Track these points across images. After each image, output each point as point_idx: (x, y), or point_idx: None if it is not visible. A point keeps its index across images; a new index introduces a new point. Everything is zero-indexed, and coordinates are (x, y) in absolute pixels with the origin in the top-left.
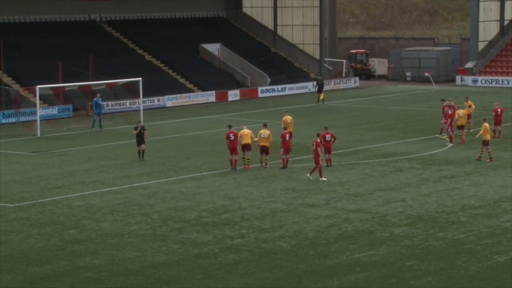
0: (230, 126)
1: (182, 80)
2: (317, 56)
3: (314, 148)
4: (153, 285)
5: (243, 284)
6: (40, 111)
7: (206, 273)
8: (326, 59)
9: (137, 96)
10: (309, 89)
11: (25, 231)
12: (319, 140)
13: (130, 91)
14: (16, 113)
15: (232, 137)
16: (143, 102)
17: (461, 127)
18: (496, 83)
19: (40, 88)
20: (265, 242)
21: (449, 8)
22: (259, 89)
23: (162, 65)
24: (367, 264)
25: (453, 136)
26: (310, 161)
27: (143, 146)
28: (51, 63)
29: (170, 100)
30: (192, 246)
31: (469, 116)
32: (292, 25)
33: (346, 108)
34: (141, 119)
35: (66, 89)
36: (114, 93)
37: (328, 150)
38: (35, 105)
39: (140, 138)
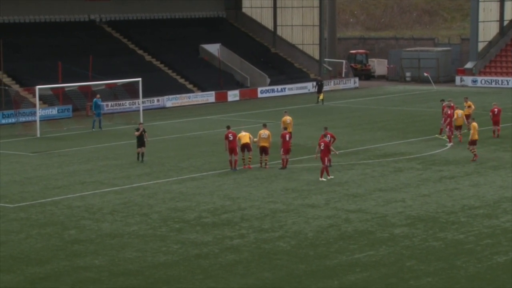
0: (228, 127)
1: (182, 81)
2: (317, 57)
3: (323, 148)
4: (153, 285)
5: (243, 284)
6: (40, 112)
7: (206, 273)
8: (325, 59)
9: (137, 97)
10: (309, 90)
11: (25, 231)
12: (327, 140)
13: (130, 92)
14: (16, 114)
15: (231, 137)
16: (143, 102)
17: (459, 127)
18: (495, 84)
19: (40, 89)
20: (265, 242)
21: (449, 9)
22: (259, 89)
23: (161, 66)
24: (367, 264)
25: (451, 136)
26: (310, 161)
27: (143, 149)
28: (51, 63)
29: (169, 101)
30: (192, 247)
31: (469, 116)
32: (292, 25)
33: (346, 108)
34: (141, 120)
35: (66, 89)
36: (114, 93)
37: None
38: (34, 106)
39: (140, 140)
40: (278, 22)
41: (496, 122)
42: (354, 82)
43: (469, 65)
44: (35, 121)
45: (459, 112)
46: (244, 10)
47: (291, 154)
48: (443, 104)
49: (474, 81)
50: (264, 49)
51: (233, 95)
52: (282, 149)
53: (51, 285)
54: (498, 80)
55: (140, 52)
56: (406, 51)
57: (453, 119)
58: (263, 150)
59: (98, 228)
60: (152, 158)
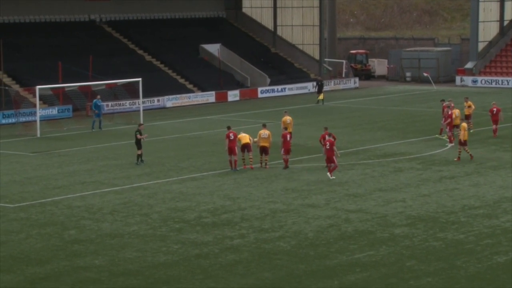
0: (229, 127)
1: (182, 81)
2: (317, 57)
3: (328, 147)
4: (153, 285)
5: (243, 284)
6: (40, 112)
7: (206, 273)
8: (326, 59)
9: (137, 97)
10: (309, 90)
11: (25, 231)
12: (332, 139)
13: (130, 92)
14: (16, 114)
15: (232, 137)
16: (143, 102)
17: (456, 127)
18: (496, 84)
19: (40, 89)
20: (265, 242)
21: (449, 9)
22: (259, 89)
23: (162, 66)
24: (367, 264)
25: (452, 136)
26: (310, 162)
27: (141, 150)
28: (51, 63)
29: (170, 101)
30: (192, 247)
31: (469, 116)
32: (292, 25)
33: (346, 108)
34: (141, 120)
35: (66, 89)
36: (114, 93)
37: None
38: (35, 106)
39: (140, 142)
40: (278, 22)
41: (495, 122)
42: (354, 82)
43: (469, 65)
44: (35, 121)
45: (456, 112)
46: (244, 10)
47: (291, 154)
48: (444, 104)
49: (474, 81)
50: (264, 49)
51: (233, 95)
52: (283, 149)
53: (51, 285)
54: (498, 80)
55: (140, 52)
56: (406, 51)
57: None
58: (263, 150)
59: (98, 228)
60: (152, 158)
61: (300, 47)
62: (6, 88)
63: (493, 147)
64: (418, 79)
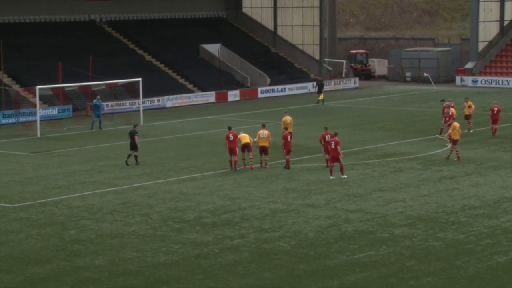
0: (230, 128)
1: (182, 81)
2: (317, 57)
3: (333, 146)
4: (153, 285)
5: (243, 284)
6: (40, 112)
7: (206, 273)
8: (326, 59)
9: (137, 97)
10: (309, 90)
11: (25, 231)
12: (337, 139)
13: (130, 92)
14: (16, 114)
15: (232, 137)
16: (143, 102)
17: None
18: (496, 84)
19: (40, 89)
20: (265, 242)
21: (449, 9)
22: (259, 89)
23: (162, 66)
24: (367, 264)
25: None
26: (310, 162)
27: (135, 152)
28: (51, 63)
29: (170, 101)
30: (192, 247)
31: (469, 116)
32: (292, 25)
33: (346, 108)
34: (141, 120)
35: (66, 89)
36: (114, 93)
37: (327, 151)
38: (35, 106)
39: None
40: (278, 22)
41: (494, 121)
42: (354, 82)
43: (469, 65)
44: (35, 121)
45: (451, 111)
46: (244, 10)
47: (291, 154)
48: (444, 104)
49: (474, 81)
50: (264, 49)
51: (233, 95)
52: (284, 150)
53: (51, 285)
54: (499, 80)
55: (140, 52)
56: (406, 51)
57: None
58: (263, 150)
59: (98, 228)
60: (152, 158)
61: (300, 47)
62: (6, 88)
63: (493, 147)
64: (418, 79)
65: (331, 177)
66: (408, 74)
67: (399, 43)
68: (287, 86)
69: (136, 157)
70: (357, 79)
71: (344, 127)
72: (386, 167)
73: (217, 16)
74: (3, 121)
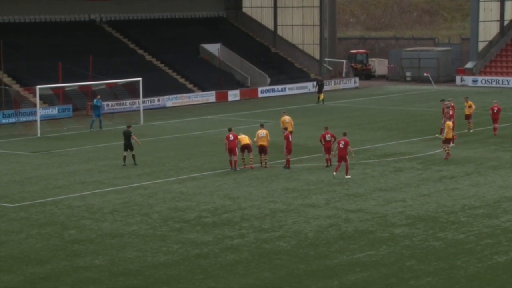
0: (230, 129)
1: (182, 80)
2: (317, 56)
3: (342, 146)
4: (153, 285)
5: (243, 284)
6: (40, 111)
7: (206, 273)
8: (326, 59)
9: (137, 96)
10: (309, 89)
11: (25, 231)
12: (346, 138)
13: (130, 91)
14: (16, 113)
15: (232, 138)
16: (143, 102)
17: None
18: (496, 83)
19: (40, 88)
20: (265, 242)
21: (449, 8)
22: (259, 89)
23: (162, 65)
24: (367, 264)
25: (453, 136)
26: (310, 162)
27: (131, 152)
28: (51, 63)
29: (170, 100)
30: (192, 246)
31: (469, 116)
32: (292, 25)
33: (346, 108)
34: (141, 120)
35: (66, 89)
36: (114, 93)
37: (328, 150)
38: (35, 105)
39: (128, 143)
40: (279, 22)
41: (495, 120)
42: (355, 82)
43: (469, 65)
44: (35, 120)
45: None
46: (244, 10)
47: (291, 154)
48: (444, 104)
49: (475, 81)
50: (264, 49)
51: (233, 95)
52: (285, 150)
53: (51, 285)
54: (499, 80)
55: (140, 52)
56: (406, 51)
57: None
58: (262, 150)
59: (98, 228)
60: (152, 158)
61: (300, 47)
62: (6, 88)
63: (493, 147)
64: (418, 79)
65: (334, 173)
66: (408, 74)
67: (399, 43)
68: (287, 86)
69: (133, 156)
70: (357, 79)
71: (344, 127)
72: (386, 167)
73: (217, 16)
74: (3, 121)
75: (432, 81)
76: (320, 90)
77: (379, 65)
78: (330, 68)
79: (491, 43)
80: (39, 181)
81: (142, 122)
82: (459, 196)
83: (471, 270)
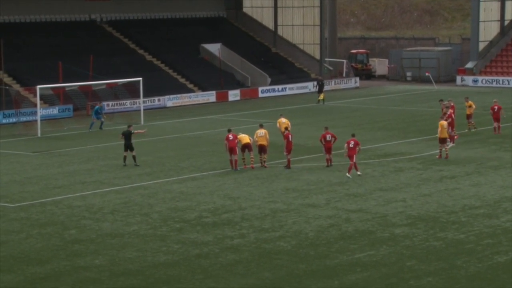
0: (229, 130)
1: (182, 80)
2: (318, 56)
3: (352, 146)
4: (153, 285)
5: (243, 284)
6: (41, 111)
7: (206, 273)
8: (326, 59)
9: (138, 96)
10: (310, 89)
11: (25, 231)
12: (356, 139)
13: (131, 91)
14: (17, 113)
15: (231, 137)
16: (144, 102)
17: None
18: (496, 83)
19: (40, 88)
20: (265, 242)
21: (450, 8)
22: (260, 89)
23: (162, 65)
24: (368, 264)
25: (454, 135)
26: (310, 162)
27: (131, 152)
28: (51, 63)
29: (170, 100)
30: (192, 246)
31: (470, 116)
32: (293, 25)
33: (347, 108)
34: (141, 119)
35: (67, 89)
36: (114, 93)
37: (328, 150)
38: (35, 105)
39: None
40: (279, 22)
41: (496, 119)
42: (355, 82)
43: (469, 64)
44: (35, 120)
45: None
46: (244, 9)
47: (292, 154)
48: (442, 104)
49: (475, 81)
50: (264, 48)
51: (233, 94)
52: (285, 149)
53: (51, 285)
54: (499, 80)
55: (140, 51)
56: (406, 51)
57: (454, 119)
58: (261, 149)
59: (98, 228)
60: (152, 158)
61: (301, 46)
62: (7, 87)
63: (493, 147)
64: (419, 79)
65: (347, 174)
66: (408, 73)
67: (400, 42)
68: (288, 86)
69: (134, 157)
70: (357, 79)
71: (344, 126)
72: (387, 166)
73: (218, 16)
74: (4, 121)
75: (432, 81)
76: (320, 90)
77: (380, 65)
78: (331, 68)
79: (491, 43)
80: (40, 181)
81: (142, 122)
82: (459, 196)
83: (472, 270)
